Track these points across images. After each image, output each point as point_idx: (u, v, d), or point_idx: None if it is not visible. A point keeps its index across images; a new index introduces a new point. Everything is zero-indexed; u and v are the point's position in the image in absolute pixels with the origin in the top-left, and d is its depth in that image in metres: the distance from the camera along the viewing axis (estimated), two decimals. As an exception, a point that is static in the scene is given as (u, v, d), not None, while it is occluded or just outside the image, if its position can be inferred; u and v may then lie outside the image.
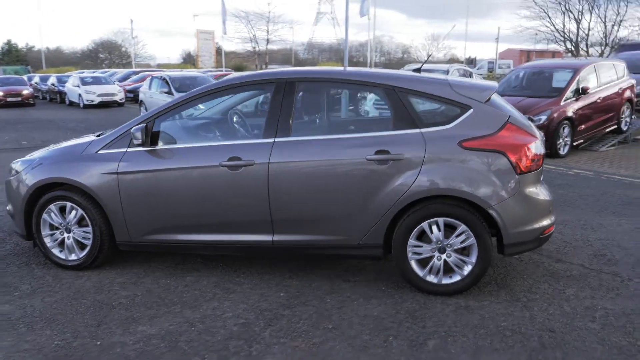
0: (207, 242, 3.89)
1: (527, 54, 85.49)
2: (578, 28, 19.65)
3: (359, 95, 4.14)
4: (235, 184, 3.73)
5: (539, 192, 3.60)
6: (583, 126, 9.28)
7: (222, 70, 28.52)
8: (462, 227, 3.51)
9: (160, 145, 3.87)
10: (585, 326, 3.19)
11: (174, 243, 3.94)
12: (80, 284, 3.89)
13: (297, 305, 3.50)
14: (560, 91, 9.05)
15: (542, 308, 3.43)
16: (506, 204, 3.46)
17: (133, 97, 21.22)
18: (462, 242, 3.54)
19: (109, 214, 3.95)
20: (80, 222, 4.07)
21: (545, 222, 3.61)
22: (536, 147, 3.56)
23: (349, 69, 4.45)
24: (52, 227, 4.14)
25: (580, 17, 19.58)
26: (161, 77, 14.87)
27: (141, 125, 3.82)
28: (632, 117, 10.75)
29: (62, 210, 4.08)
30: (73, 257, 4.13)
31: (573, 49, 20.26)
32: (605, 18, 20.21)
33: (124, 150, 3.93)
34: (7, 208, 4.37)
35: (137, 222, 3.93)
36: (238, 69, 38.36)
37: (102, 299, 3.62)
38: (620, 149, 9.96)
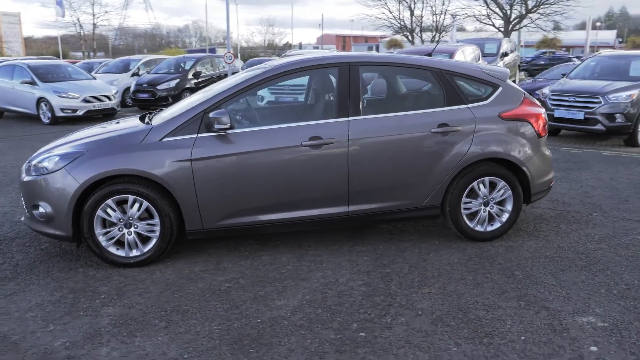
0: (284, 220, 4.08)
1: (343, 39, 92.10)
2: (412, 16, 22.49)
3: (409, 77, 4.66)
4: (316, 162, 3.99)
5: (548, 152, 4.61)
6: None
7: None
8: (502, 183, 4.34)
9: (237, 129, 3.90)
10: (593, 245, 4.29)
11: (250, 225, 4.04)
12: (163, 278, 3.77)
13: (389, 265, 3.97)
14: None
15: (558, 240, 4.45)
16: (532, 161, 4.39)
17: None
18: (501, 196, 4.37)
19: (181, 203, 3.87)
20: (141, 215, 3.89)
21: (551, 175, 4.64)
22: (545, 115, 4.54)
23: (399, 54, 4.93)
24: (105, 224, 3.87)
25: (413, 6, 22.49)
26: (15, 65, 12.99)
27: (221, 110, 3.82)
28: None
29: (117, 204, 3.85)
30: (135, 253, 3.93)
31: (409, 34, 23.15)
32: (434, 7, 23.64)
33: (194, 136, 3.88)
34: (41, 211, 3.89)
35: (211, 208, 3.92)
36: (64, 56, 34.25)
37: (206, 287, 3.61)
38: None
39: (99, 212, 3.82)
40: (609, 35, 58.04)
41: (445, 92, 4.29)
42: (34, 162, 4.05)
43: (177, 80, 14.64)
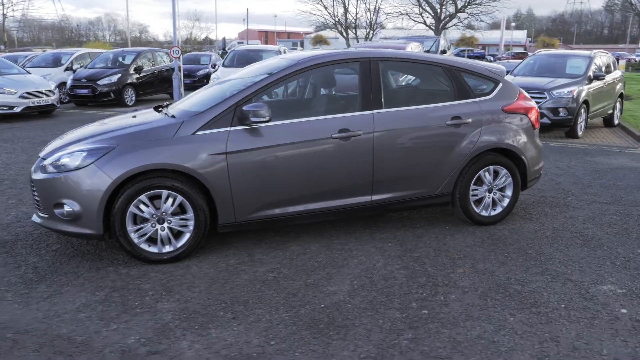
0: (313, 211, 4.19)
1: (266, 35, 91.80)
2: (346, 13, 23.01)
3: (423, 72, 4.88)
4: (345, 153, 4.14)
5: (539, 142, 5.06)
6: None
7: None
8: (504, 171, 4.73)
9: (273, 122, 3.95)
10: (582, 225, 4.81)
11: (281, 217, 4.11)
12: (202, 272, 3.75)
13: (415, 249, 4.21)
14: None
15: (550, 222, 4.93)
16: (529, 150, 4.82)
17: None
18: (503, 183, 4.76)
19: (215, 196, 3.86)
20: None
21: (542, 163, 5.11)
22: (537, 109, 4.99)
23: (412, 52, 5.14)
24: (136, 221, 3.78)
25: (347, 3, 23.02)
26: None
27: (258, 103, 3.85)
28: None
29: (149, 200, 3.77)
30: (168, 248, 3.87)
31: (343, 31, 23.64)
32: (368, 4, 24.33)
33: (228, 129, 3.89)
34: (66, 209, 3.71)
35: (244, 201, 3.96)
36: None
37: (253, 278, 3.65)
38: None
39: (132, 208, 3.72)
40: (521, 35, 62.50)
41: (455, 87, 4.59)
42: (50, 160, 3.86)
43: (119, 75, 14.01)
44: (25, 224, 4.75)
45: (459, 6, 26.22)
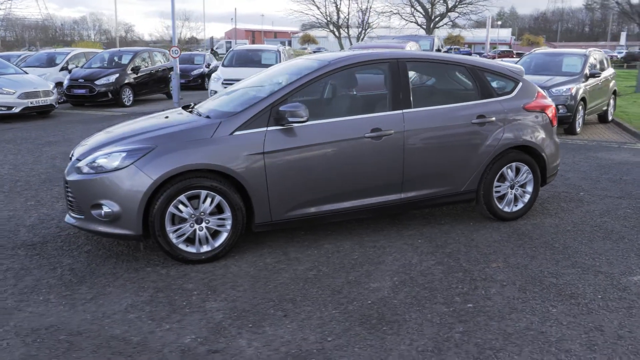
0: (345, 209, 4.25)
1: (252, 34, 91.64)
2: (338, 12, 23.11)
3: (447, 72, 4.97)
4: (377, 152, 4.21)
5: (557, 139, 5.18)
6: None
7: None
8: (525, 167, 4.84)
9: (307, 122, 3.99)
10: (599, 219, 4.94)
11: (314, 215, 4.16)
12: (242, 271, 3.79)
13: (445, 245, 4.29)
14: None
15: (569, 216, 5.05)
16: (549, 147, 4.93)
17: None
18: (524, 179, 4.87)
19: (252, 196, 3.90)
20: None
21: (559, 159, 5.23)
22: (555, 107, 5.11)
23: (432, 53, 5.22)
24: (174, 221, 3.80)
25: (339, 2, 23.08)
26: None
27: (295, 103, 3.89)
28: None
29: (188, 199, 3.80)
30: (206, 248, 3.90)
31: (335, 30, 23.73)
32: (360, 4, 24.46)
33: (264, 129, 3.92)
34: (105, 210, 3.72)
35: (280, 200, 4.00)
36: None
37: (294, 276, 3.69)
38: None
39: (171, 209, 3.75)
40: (506, 33, 63.25)
41: (478, 87, 4.69)
42: (86, 161, 3.86)
43: (117, 75, 13.90)
44: (49, 226, 4.73)
45: (450, 6, 26.49)
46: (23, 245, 4.28)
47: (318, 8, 22.57)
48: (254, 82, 4.92)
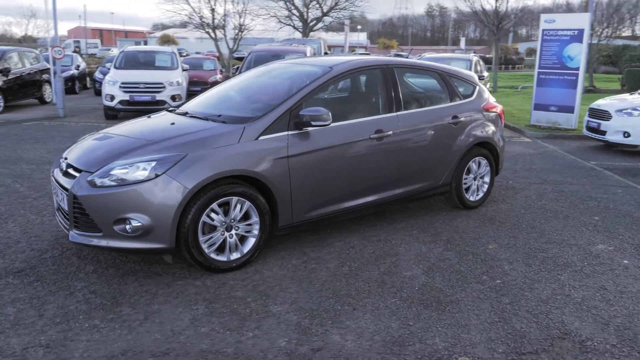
0: (353, 207, 4.48)
1: (100, 33, 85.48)
2: (213, 13, 22.61)
3: (425, 77, 5.38)
4: (379, 152, 4.52)
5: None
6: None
7: None
8: (485, 161, 5.54)
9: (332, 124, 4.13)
10: (539, 202, 5.85)
11: (328, 215, 4.33)
12: (279, 274, 3.83)
13: (441, 233, 4.75)
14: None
15: (514, 202, 5.88)
16: (500, 142, 5.70)
17: None
18: (484, 171, 5.57)
19: (278, 199, 3.96)
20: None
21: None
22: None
23: (411, 60, 5.59)
24: (204, 230, 3.71)
25: (214, 3, 22.57)
26: None
27: (317, 107, 4.01)
28: None
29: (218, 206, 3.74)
30: (235, 255, 3.86)
31: (211, 31, 23.17)
32: (236, 5, 24.10)
33: (286, 133, 4.00)
34: (134, 224, 3.47)
35: (300, 202, 4.11)
36: None
37: (332, 274, 3.83)
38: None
39: (204, 218, 3.65)
40: (363, 37, 67.40)
41: (448, 90, 5.25)
42: (101, 173, 3.58)
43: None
44: (20, 249, 4.21)
45: (325, 10, 27.64)
46: (8, 273, 3.78)
47: (193, 8, 21.86)
48: (241, 86, 4.92)
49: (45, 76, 15.26)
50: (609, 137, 8.88)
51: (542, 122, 11.54)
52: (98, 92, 18.60)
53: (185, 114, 4.46)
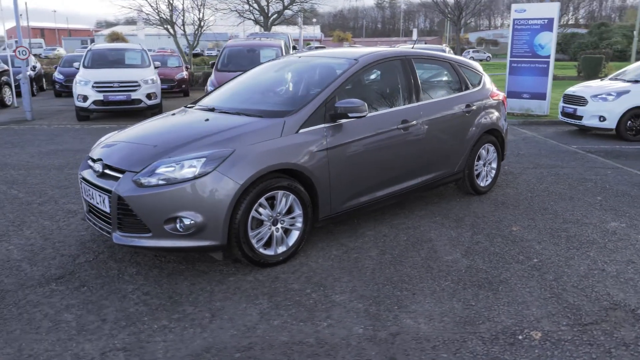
0: (383, 196, 4.58)
1: (42, 32, 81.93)
2: (172, 8, 22.05)
3: (439, 68, 5.49)
4: (405, 142, 4.63)
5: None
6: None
7: None
8: (492, 147, 5.76)
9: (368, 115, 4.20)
10: (541, 185, 6.14)
11: (362, 205, 4.41)
12: (325, 265, 3.88)
13: (463, 218, 4.91)
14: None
15: (519, 185, 6.15)
16: (504, 128, 5.93)
17: None
18: (492, 157, 5.79)
19: (319, 191, 4.00)
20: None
21: (509, 137, 6.30)
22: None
23: (426, 51, 5.70)
24: (252, 225, 3.72)
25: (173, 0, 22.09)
26: None
27: (354, 99, 4.06)
28: None
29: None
30: (282, 249, 3.89)
31: (170, 27, 22.51)
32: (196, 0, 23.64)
33: (323, 125, 4.04)
34: (186, 223, 3.43)
35: (338, 193, 4.16)
36: None
37: (378, 263, 3.91)
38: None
39: (253, 213, 3.65)
40: (317, 31, 67.49)
41: (460, 80, 5.42)
42: (147, 172, 3.51)
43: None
44: (49, 255, 4.07)
45: (286, 3, 27.48)
46: (49, 280, 3.66)
47: (150, 5, 21.25)
48: (260, 80, 4.94)
49: (4, 78, 14.54)
50: (585, 122, 9.36)
51: (516, 109, 12.00)
52: (58, 94, 17.93)
53: (212, 109, 4.42)
